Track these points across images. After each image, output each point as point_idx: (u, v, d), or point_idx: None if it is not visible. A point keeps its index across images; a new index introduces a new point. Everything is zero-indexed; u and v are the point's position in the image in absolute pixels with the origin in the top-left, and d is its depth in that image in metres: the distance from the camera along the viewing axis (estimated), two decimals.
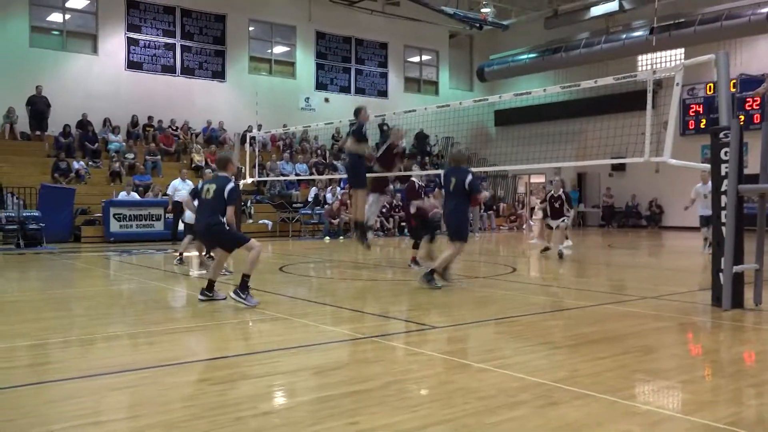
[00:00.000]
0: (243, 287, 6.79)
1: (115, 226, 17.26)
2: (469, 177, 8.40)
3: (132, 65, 23.14)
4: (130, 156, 20.98)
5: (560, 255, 12.47)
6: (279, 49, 27.02)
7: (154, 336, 5.85)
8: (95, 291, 9.11)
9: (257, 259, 6.94)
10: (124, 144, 21.57)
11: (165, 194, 18.81)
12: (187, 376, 4.53)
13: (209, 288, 7.26)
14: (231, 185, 7.00)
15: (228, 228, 6.95)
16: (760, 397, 4.10)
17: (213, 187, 7.04)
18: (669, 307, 7.50)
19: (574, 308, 7.33)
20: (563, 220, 12.73)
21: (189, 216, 10.20)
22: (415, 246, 11.27)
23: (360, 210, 10.49)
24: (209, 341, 5.66)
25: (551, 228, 12.89)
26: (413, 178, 11.60)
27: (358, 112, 10.85)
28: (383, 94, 29.14)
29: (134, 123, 22.52)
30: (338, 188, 21.94)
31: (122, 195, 17.96)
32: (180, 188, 16.94)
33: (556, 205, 12.87)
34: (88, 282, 10.27)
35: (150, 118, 22.88)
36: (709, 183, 10.64)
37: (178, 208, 16.82)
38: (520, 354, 5.20)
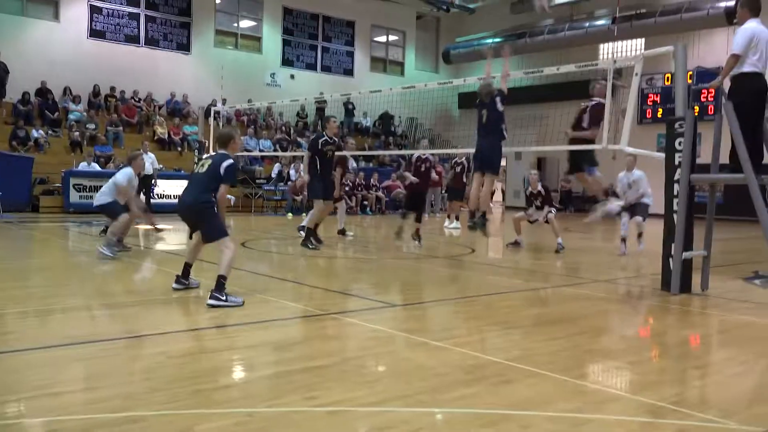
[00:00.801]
0: (220, 288, 5.75)
1: (74, 196, 16.89)
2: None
3: (95, 34, 22.53)
4: (91, 126, 20.49)
5: (558, 249, 11.16)
6: (245, 23, 26.58)
7: (113, 308, 5.78)
8: (53, 262, 8.94)
9: (233, 259, 6.01)
10: (85, 114, 21.04)
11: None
12: (146, 348, 4.49)
13: (185, 274, 6.42)
14: (229, 161, 6.14)
15: (216, 213, 6.08)
16: (703, 378, 4.24)
17: (208, 162, 6.22)
18: (620, 291, 7.68)
19: (530, 290, 7.45)
20: (551, 212, 11.58)
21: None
22: (417, 219, 11.63)
23: (485, 198, 9.21)
24: (168, 315, 5.61)
25: (530, 222, 11.98)
26: (418, 154, 11.89)
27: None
28: (349, 72, 28.95)
29: (96, 93, 21.97)
30: (301, 165, 21.79)
31: (83, 165, 17.57)
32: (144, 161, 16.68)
33: (537, 202, 11.87)
34: (46, 252, 10.07)
35: (112, 88, 22.35)
36: (634, 171, 10.84)
37: (140, 181, 16.56)
38: (477, 333, 5.28)
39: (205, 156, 7.29)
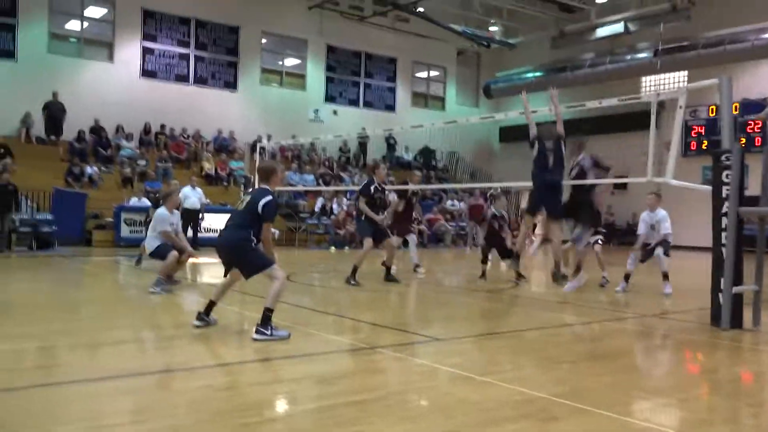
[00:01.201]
0: (266, 321, 5.67)
1: (125, 231, 17.30)
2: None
3: (146, 73, 23.28)
4: (142, 162, 21.05)
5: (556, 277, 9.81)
6: (290, 62, 27.13)
7: (160, 341, 5.86)
8: (103, 295, 9.13)
9: (282, 291, 5.87)
10: (136, 151, 21.65)
11: None
12: (193, 381, 4.53)
13: (207, 311, 6.20)
14: (268, 198, 5.91)
15: (255, 247, 5.90)
16: (756, 417, 4.08)
17: (247, 198, 6.04)
18: (668, 326, 7.48)
19: (576, 324, 7.31)
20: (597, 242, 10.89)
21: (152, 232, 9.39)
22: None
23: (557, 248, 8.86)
24: (215, 348, 5.66)
25: (484, 262, 11.30)
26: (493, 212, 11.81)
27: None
28: (391, 108, 29.21)
29: (146, 130, 22.63)
30: (344, 199, 21.97)
31: (133, 201, 18.02)
32: (190, 195, 17.02)
33: (496, 225, 11.42)
34: (97, 285, 10.30)
35: (162, 126, 22.99)
36: (658, 211, 10.00)
37: (187, 216, 16.92)
38: (522, 368, 5.19)
39: (245, 192, 7.23)
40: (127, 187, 19.83)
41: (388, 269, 10.74)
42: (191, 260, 12.34)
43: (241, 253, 5.92)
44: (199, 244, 16.69)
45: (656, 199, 9.97)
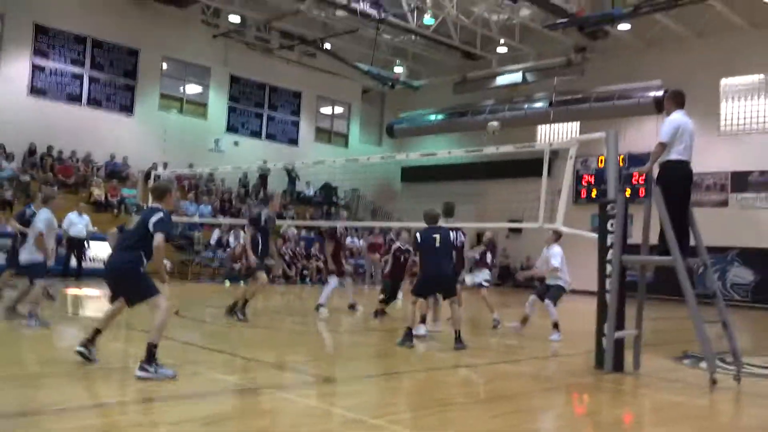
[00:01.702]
0: (150, 358, 5.39)
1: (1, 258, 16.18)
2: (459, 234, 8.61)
3: (35, 91, 22.13)
4: (26, 178, 19.79)
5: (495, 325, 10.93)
6: (192, 89, 26.60)
7: (33, 379, 5.46)
8: None
9: (165, 323, 5.58)
10: (18, 173, 20.39)
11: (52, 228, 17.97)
12: (65, 423, 4.24)
13: (92, 340, 5.83)
14: (160, 214, 5.67)
15: (142, 273, 5.66)
16: None
17: (138, 218, 5.86)
18: (556, 368, 7.74)
19: (470, 366, 7.43)
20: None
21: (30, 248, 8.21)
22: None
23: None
24: (93, 386, 5.34)
25: (385, 301, 11.64)
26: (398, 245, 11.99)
27: None
28: (294, 142, 29.13)
29: (32, 151, 21.42)
30: (242, 232, 21.55)
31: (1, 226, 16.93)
32: (76, 222, 16.21)
33: (402, 259, 11.70)
34: None
35: (50, 147, 21.82)
36: (552, 246, 10.39)
37: (72, 244, 16.07)
38: (414, 410, 5.21)
39: (137, 212, 6.86)
40: (5, 210, 18.62)
41: (244, 304, 10.10)
42: (70, 291, 11.72)
43: (126, 278, 5.68)
44: (83, 275, 15.88)
45: (553, 236, 10.26)
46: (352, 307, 12.52)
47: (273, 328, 10.10)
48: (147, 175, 18.71)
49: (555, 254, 10.16)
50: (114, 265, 5.81)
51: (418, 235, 8.55)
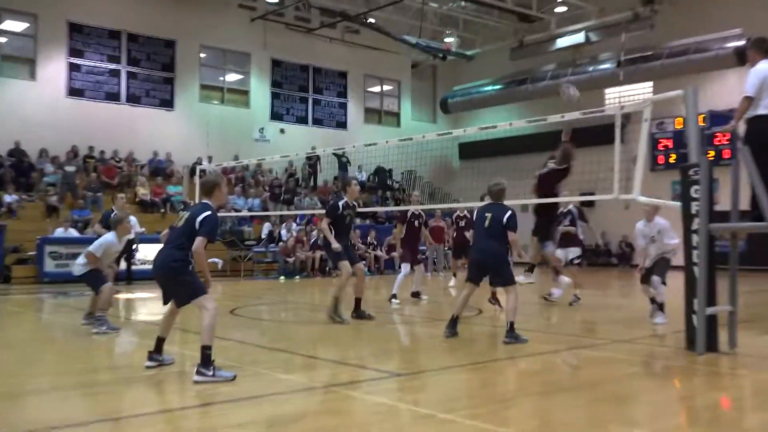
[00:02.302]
0: (206, 361, 5.51)
1: (50, 265, 16.81)
2: (509, 213, 7.99)
3: (73, 92, 22.83)
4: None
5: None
6: (232, 77, 27.01)
7: (89, 388, 5.66)
8: (24, 337, 8.82)
9: (214, 323, 5.65)
10: (61, 176, 21.11)
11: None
12: (129, 430, 4.38)
13: (158, 349, 6.07)
14: (208, 212, 5.77)
15: (190, 271, 5.75)
16: None
17: (186, 214, 5.90)
18: (642, 352, 7.57)
19: (544, 353, 7.34)
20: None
21: (81, 261, 8.56)
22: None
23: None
24: (150, 393, 5.50)
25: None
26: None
27: None
28: (342, 125, 29.28)
29: (74, 153, 22.13)
30: (293, 224, 21.82)
31: (59, 231, 17.55)
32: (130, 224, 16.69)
33: (416, 224, 12.71)
34: (17, 326, 9.94)
35: (91, 148, 22.50)
36: (657, 220, 9.81)
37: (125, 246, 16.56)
38: (489, 403, 5.17)
39: (184, 209, 6.92)
40: (52, 216, 19.32)
41: (358, 302, 9.90)
42: (121, 296, 12.08)
43: (174, 278, 5.81)
44: (133, 278, 16.34)
45: (652, 209, 9.42)
46: (415, 295, 12.56)
47: (332, 323, 10.19)
48: (192, 171, 19.08)
49: (667, 228, 9.33)
50: (161, 264, 5.90)
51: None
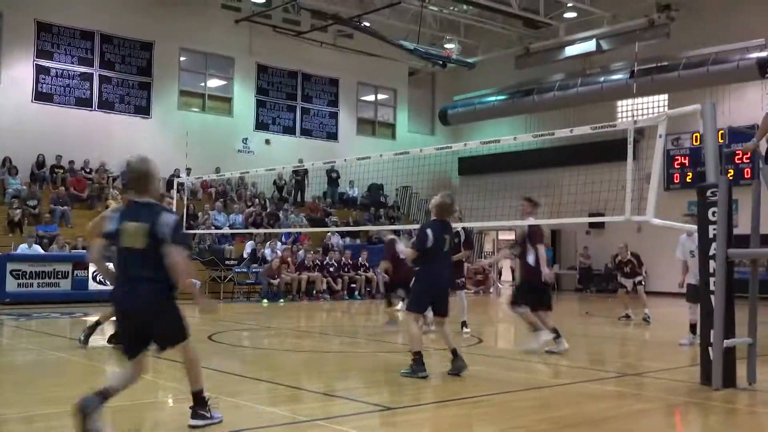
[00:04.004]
0: (202, 404, 5.19)
1: (12, 284, 16.71)
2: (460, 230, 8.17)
3: (40, 97, 22.86)
4: (32, 202, 20.47)
5: (646, 318, 13.47)
6: (214, 83, 27.10)
7: (55, 419, 5.64)
8: None
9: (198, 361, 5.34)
10: (25, 188, 21.09)
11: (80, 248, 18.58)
12: None
13: (200, 402, 5.26)
14: (170, 215, 5.29)
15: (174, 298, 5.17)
16: None
17: (134, 227, 5.16)
18: (653, 386, 7.60)
19: (549, 386, 7.36)
20: (641, 282, 14.15)
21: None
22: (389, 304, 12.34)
23: None
24: (122, 423, 5.49)
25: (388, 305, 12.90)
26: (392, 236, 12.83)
27: None
28: (333, 136, 29.34)
29: (40, 163, 22.10)
30: (278, 243, 21.83)
31: (22, 248, 17.52)
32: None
33: (627, 269, 14.32)
34: None
35: (59, 157, 22.48)
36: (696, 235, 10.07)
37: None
38: None
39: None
40: (15, 231, 19.28)
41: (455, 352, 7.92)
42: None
43: (155, 314, 5.12)
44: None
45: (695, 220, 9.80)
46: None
47: (319, 350, 10.19)
48: (169, 184, 19.08)
49: None
50: (138, 302, 5.18)
51: (429, 231, 7.75)
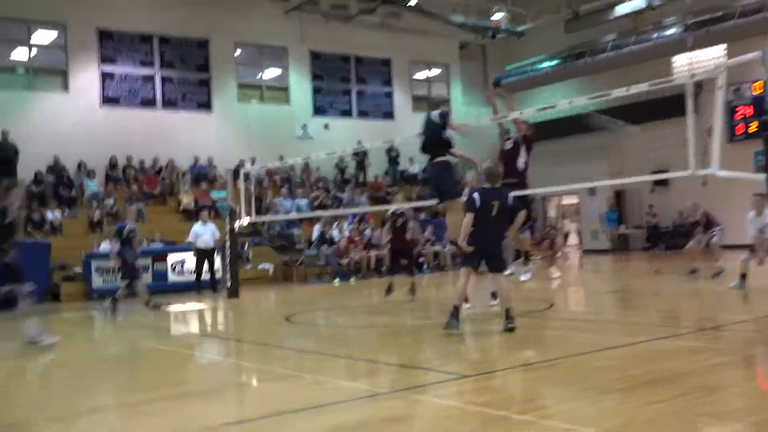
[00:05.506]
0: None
1: (98, 281, 17.32)
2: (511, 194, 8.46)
3: (107, 101, 23.45)
4: (110, 202, 21.08)
5: (719, 273, 12.98)
6: (270, 74, 27.34)
7: (147, 405, 5.84)
8: (78, 356, 9.12)
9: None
10: (102, 189, 21.72)
11: (168, 242, 19.18)
12: None
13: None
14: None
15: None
16: None
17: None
18: (731, 339, 7.43)
19: (623, 345, 7.27)
20: (714, 235, 13.80)
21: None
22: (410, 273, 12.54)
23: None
24: (209, 407, 5.64)
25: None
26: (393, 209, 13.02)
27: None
28: (389, 115, 29.34)
29: (113, 164, 22.72)
30: (345, 224, 22.00)
31: (104, 246, 18.07)
32: (201, 233, 17.18)
33: (398, 224, 13.26)
34: (70, 346, 10.28)
35: (129, 158, 23.07)
36: (766, 213, 10.18)
37: (201, 255, 17.09)
38: (565, 402, 5.16)
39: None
40: (96, 231, 19.89)
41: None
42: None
43: None
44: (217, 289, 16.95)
45: (763, 200, 9.92)
46: (494, 295, 12.17)
47: (392, 325, 10.27)
48: (235, 174, 19.40)
49: None
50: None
51: (476, 195, 8.17)
